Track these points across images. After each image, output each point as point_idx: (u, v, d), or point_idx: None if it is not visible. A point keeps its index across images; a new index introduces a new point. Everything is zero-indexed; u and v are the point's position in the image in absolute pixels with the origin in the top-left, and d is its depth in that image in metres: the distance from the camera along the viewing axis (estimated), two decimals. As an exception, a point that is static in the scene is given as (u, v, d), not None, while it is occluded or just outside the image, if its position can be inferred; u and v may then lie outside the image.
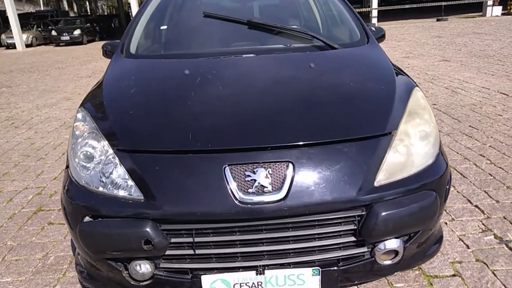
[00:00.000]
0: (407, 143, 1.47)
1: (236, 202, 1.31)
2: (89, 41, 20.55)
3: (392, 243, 1.42)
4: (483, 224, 2.10)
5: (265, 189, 1.32)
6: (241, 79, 1.79)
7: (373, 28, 2.58)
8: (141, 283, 1.45)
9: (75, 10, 56.05)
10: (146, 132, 1.50)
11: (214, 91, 1.67)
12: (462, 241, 1.97)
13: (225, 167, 1.34)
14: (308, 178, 1.33)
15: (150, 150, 1.42)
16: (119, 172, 1.41)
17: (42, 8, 48.10)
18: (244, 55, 1.98)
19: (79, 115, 1.67)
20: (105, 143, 1.48)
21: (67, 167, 1.57)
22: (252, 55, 1.99)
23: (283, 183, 1.33)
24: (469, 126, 3.63)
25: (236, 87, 1.73)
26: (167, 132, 1.48)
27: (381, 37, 2.60)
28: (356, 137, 1.43)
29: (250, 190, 1.32)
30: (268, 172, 1.33)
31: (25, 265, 1.96)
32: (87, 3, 61.17)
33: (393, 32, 14.29)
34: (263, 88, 1.70)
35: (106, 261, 1.44)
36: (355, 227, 1.37)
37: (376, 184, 1.37)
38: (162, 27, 2.45)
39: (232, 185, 1.32)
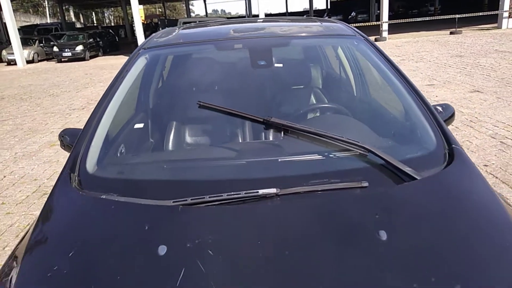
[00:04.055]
0: None
1: None
2: (92, 57, 20.06)
3: None
4: None
5: None
6: (250, 269, 1.00)
7: (439, 108, 1.81)
8: None
9: (82, 21, 56.09)
10: None
11: None
12: None
13: None
14: None
15: None
16: None
17: (48, 20, 48.02)
18: (260, 191, 1.18)
19: None
20: None
21: None
22: (273, 190, 1.19)
23: None
24: (543, 208, 2.83)
25: None
26: None
27: (450, 117, 1.84)
28: None
29: None
30: None
31: None
32: (94, 14, 61.22)
33: (408, 49, 13.53)
34: None
35: None
36: None
37: None
38: (136, 125, 1.70)
39: None
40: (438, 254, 1.01)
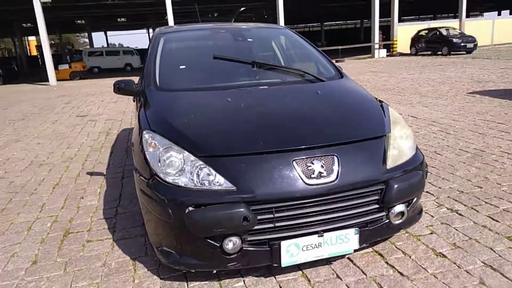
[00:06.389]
0: (398, 141, 2.19)
1: (304, 184, 1.85)
2: (-10, 85, 18.87)
3: (400, 207, 2.07)
4: (436, 202, 2.91)
5: (322, 174, 1.89)
6: (276, 102, 2.38)
7: (338, 64, 3.40)
8: (231, 256, 1.85)
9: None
10: (226, 141, 2.01)
11: (264, 110, 2.23)
12: (427, 213, 2.73)
13: (293, 161, 1.89)
14: (349, 166, 1.96)
15: (235, 154, 1.92)
16: (209, 172, 1.86)
17: None
18: (260, 87, 2.57)
19: (147, 136, 2.06)
20: (185, 153, 1.92)
21: (152, 176, 1.94)
22: (265, 86, 2.58)
23: (332, 169, 1.91)
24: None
25: (279, 107, 2.31)
26: (242, 139, 2.00)
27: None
28: (371, 136, 2.11)
29: (312, 176, 1.88)
30: (322, 162, 1.92)
31: (91, 272, 2.16)
32: (-25, 45, 55.52)
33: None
34: (299, 107, 2.31)
35: (206, 240, 1.82)
36: (379, 197, 1.99)
37: (388, 167, 2.04)
38: (181, 67, 2.93)
39: (300, 173, 1.87)
40: (330, 97, 2.53)
